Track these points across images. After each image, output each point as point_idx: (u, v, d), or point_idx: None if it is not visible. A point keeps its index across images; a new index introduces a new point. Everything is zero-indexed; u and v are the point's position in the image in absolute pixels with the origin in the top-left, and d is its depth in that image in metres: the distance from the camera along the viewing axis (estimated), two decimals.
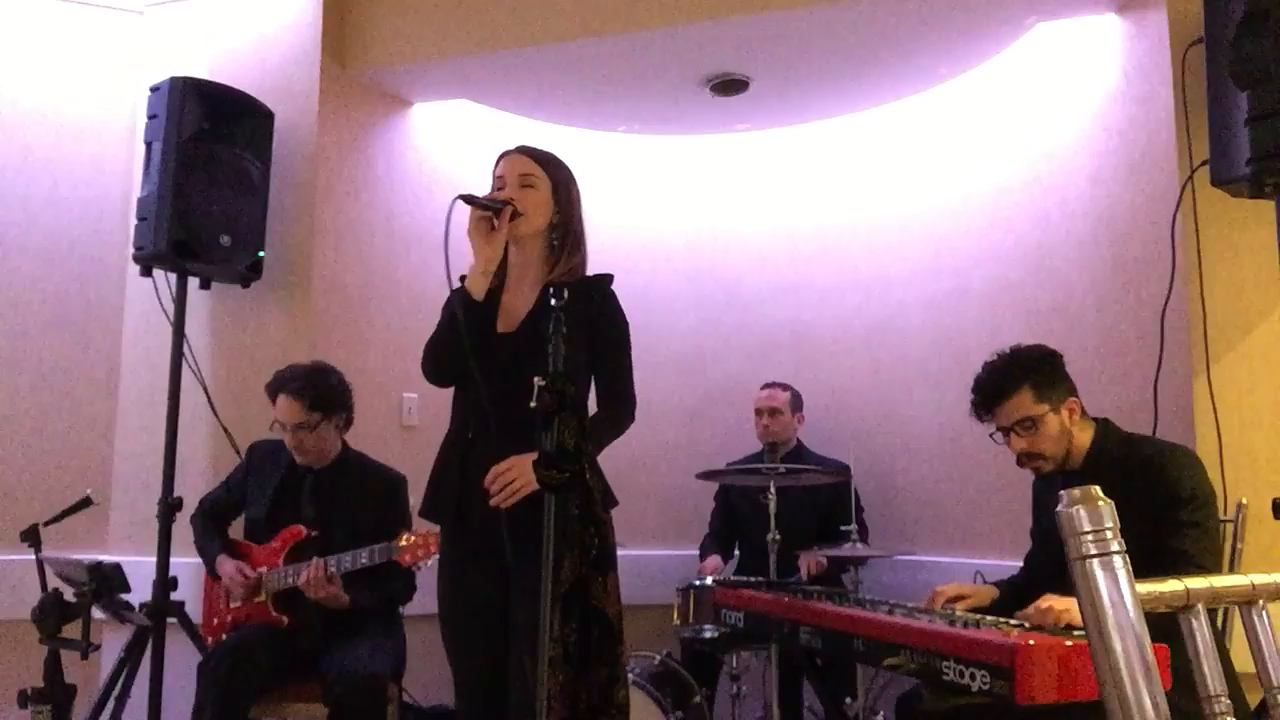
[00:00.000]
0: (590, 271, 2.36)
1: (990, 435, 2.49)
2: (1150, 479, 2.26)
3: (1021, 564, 2.70)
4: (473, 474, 2.18)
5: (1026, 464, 2.45)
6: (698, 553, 3.98)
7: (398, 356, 3.73)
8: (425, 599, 2.94)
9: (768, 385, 4.00)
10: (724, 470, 3.78)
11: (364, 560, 2.81)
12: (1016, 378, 2.39)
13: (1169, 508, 2.21)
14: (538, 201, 2.29)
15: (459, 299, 2.20)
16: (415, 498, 3.18)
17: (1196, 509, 2.22)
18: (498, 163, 2.35)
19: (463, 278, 2.26)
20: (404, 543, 2.73)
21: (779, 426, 3.91)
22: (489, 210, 2.22)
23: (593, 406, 2.32)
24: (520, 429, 2.07)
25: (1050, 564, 2.54)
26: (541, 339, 1.90)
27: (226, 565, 2.99)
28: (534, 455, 1.96)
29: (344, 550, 2.85)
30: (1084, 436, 2.41)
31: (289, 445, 3.01)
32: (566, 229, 2.31)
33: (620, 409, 2.29)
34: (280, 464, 3.09)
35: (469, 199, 2.19)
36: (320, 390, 2.99)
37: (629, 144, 4.44)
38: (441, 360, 2.27)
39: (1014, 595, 2.51)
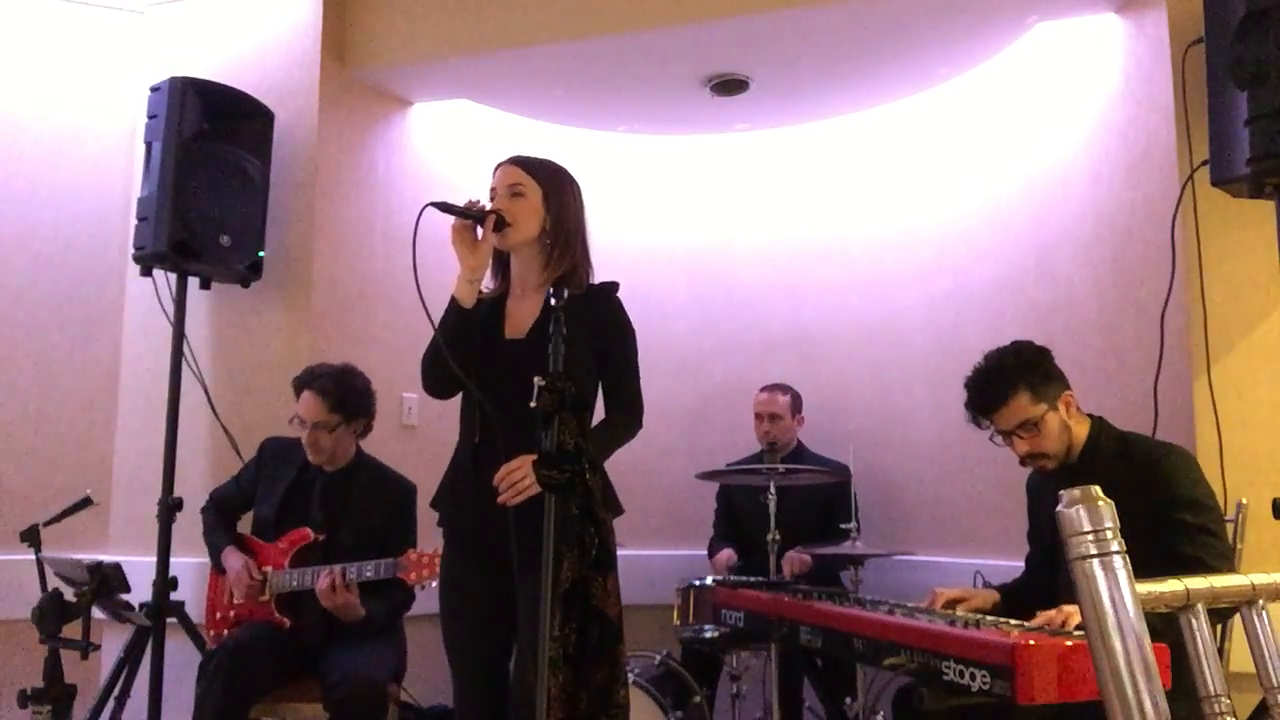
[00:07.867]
0: (595, 277, 2.36)
1: (990, 439, 2.46)
2: (1148, 477, 2.25)
3: (1024, 566, 2.69)
4: (482, 478, 2.18)
5: (1030, 464, 2.43)
6: (704, 553, 3.99)
7: (398, 356, 3.72)
8: (425, 599, 2.95)
9: (767, 388, 3.98)
10: (724, 470, 3.78)
11: (368, 574, 2.81)
12: (1011, 381, 2.36)
13: (1170, 508, 2.20)
14: (527, 210, 2.28)
15: (449, 307, 2.23)
16: (420, 500, 3.19)
17: (1202, 513, 2.21)
18: (493, 174, 2.35)
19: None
20: (410, 560, 2.74)
21: (779, 431, 3.91)
22: (466, 218, 2.22)
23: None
24: (527, 433, 2.07)
25: (1047, 565, 2.54)
26: (547, 342, 1.91)
27: (234, 560, 2.98)
28: None
29: (349, 555, 2.85)
30: (1081, 430, 2.41)
31: (305, 442, 3.00)
32: (559, 234, 2.31)
33: (627, 416, 2.30)
34: (293, 463, 3.08)
35: (442, 206, 2.18)
36: (345, 393, 3.00)
37: (629, 144, 4.44)
38: (436, 368, 2.27)
39: (1015, 599, 2.49)
